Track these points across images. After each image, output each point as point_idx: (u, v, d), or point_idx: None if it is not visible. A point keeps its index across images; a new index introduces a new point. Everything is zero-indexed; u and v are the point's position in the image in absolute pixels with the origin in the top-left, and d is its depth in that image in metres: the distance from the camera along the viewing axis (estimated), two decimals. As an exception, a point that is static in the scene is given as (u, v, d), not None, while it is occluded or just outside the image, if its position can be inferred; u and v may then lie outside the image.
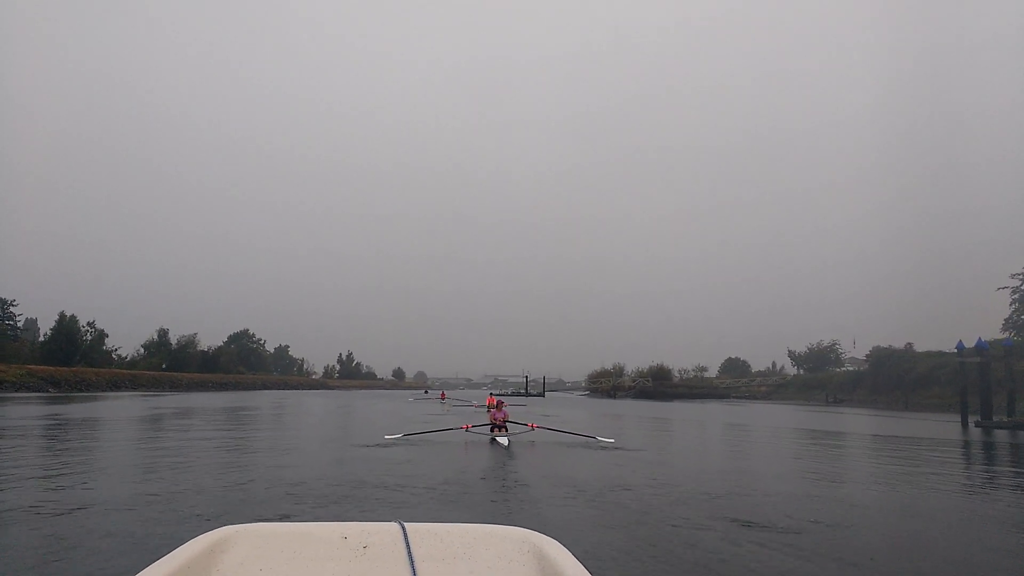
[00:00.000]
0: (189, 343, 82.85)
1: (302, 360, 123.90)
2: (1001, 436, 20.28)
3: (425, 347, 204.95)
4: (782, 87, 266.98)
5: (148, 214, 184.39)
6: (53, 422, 18.09)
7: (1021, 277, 52.54)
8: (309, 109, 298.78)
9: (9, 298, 61.16)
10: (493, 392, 47.99)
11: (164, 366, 74.97)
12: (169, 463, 9.05)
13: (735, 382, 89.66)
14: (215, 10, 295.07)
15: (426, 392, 59.72)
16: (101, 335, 67.44)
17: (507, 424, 13.37)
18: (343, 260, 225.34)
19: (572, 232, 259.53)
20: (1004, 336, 47.70)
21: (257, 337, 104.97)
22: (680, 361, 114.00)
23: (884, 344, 64.25)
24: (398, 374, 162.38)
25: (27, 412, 22.00)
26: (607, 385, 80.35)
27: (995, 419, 24.25)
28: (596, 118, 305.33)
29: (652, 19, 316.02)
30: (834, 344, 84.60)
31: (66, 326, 62.93)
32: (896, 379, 54.82)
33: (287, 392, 67.51)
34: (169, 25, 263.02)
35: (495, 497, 6.86)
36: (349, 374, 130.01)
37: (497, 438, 12.68)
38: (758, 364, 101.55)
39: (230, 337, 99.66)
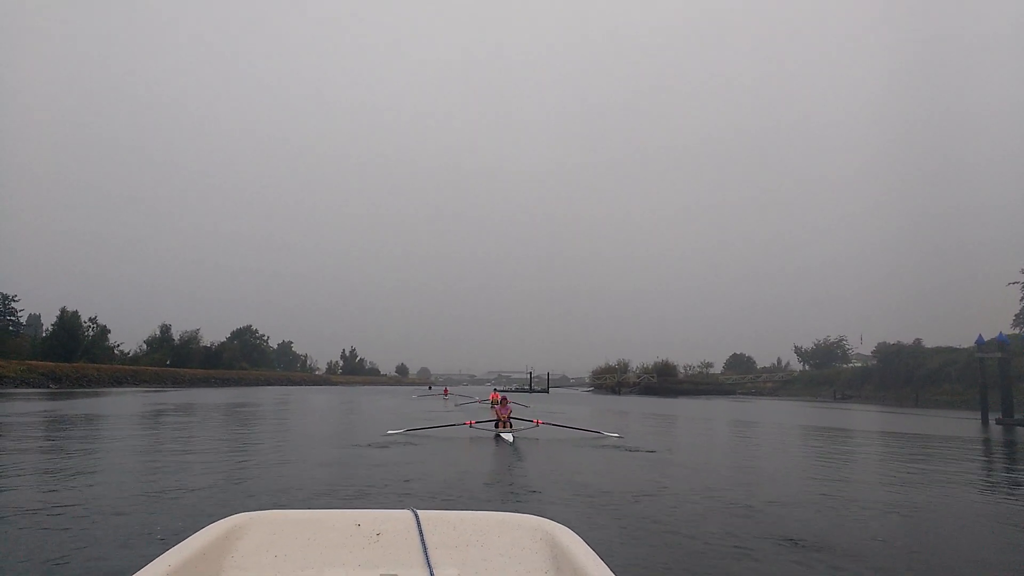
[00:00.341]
0: (192, 339, 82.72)
1: (305, 356, 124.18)
2: (1024, 434, 19.55)
3: (428, 343, 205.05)
4: (784, 85, 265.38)
5: (151, 210, 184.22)
6: (53, 418, 17.79)
7: (1032, 273, 51.63)
8: (312, 106, 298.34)
9: (11, 294, 61.18)
10: (497, 388, 47.43)
11: (167, 362, 74.83)
12: (171, 460, 8.91)
13: (741, 378, 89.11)
14: (214, 4, 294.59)
15: (430, 388, 59.27)
16: (103, 331, 67.39)
17: (511, 420, 13.13)
18: (346, 256, 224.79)
19: (575, 229, 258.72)
20: (1016, 332, 47.02)
21: (260, 333, 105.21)
22: (685, 357, 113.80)
23: (891, 340, 63.60)
24: (401, 370, 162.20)
25: (27, 408, 21.76)
26: (611, 381, 79.66)
27: (1016, 416, 23.46)
28: (599, 115, 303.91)
29: (652, 18, 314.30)
30: (841, 340, 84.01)
31: (68, 322, 62.80)
32: (906, 375, 54.07)
33: (290, 388, 67.28)
34: (175, 21, 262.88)
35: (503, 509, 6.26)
36: (352, 370, 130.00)
37: (501, 434, 12.30)
38: (763, 360, 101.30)
39: (233, 333, 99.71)
